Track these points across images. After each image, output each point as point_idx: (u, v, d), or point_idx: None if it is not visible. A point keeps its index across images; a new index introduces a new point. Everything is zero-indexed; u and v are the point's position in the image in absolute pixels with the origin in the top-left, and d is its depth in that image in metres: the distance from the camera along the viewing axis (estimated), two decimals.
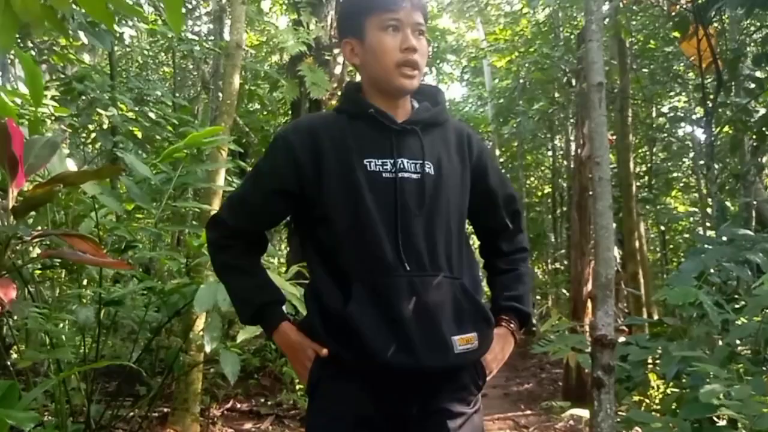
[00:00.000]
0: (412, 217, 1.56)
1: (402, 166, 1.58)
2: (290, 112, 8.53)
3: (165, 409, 4.77)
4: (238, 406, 5.84)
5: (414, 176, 1.59)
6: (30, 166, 2.01)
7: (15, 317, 3.27)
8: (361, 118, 1.63)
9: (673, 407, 3.03)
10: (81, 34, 4.45)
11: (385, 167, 1.58)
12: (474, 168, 1.70)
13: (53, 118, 4.57)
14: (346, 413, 1.56)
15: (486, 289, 2.12)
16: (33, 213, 2.61)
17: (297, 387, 6.25)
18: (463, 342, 1.55)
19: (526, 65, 11.41)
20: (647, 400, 4.76)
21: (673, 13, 6.25)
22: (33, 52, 5.73)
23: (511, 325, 1.73)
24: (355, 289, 1.53)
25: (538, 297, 18.25)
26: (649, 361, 3.50)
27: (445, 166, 1.63)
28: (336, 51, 8.22)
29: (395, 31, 1.60)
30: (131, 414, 4.06)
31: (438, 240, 1.59)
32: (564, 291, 15.97)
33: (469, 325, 1.59)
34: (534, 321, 14.71)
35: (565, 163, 15.69)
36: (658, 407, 4.23)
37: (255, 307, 1.68)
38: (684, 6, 5.55)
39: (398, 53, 1.59)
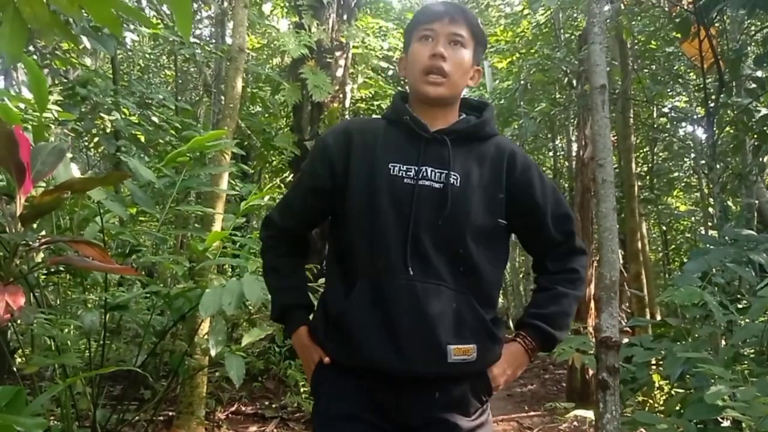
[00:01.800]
0: (426, 224, 1.58)
1: (425, 173, 1.61)
2: (292, 114, 8.54)
3: (170, 413, 4.78)
4: (243, 409, 5.85)
5: (436, 185, 1.60)
6: (37, 173, 2.02)
7: (20, 322, 3.28)
8: (397, 124, 1.69)
9: (678, 408, 3.03)
10: (84, 38, 4.46)
11: (408, 173, 1.61)
12: (514, 185, 1.68)
13: (57, 122, 4.59)
14: (345, 414, 1.59)
15: None
16: None
17: (302, 390, 6.26)
18: (459, 352, 1.55)
19: (527, 66, 11.40)
20: (651, 401, 4.76)
21: (674, 14, 6.26)
22: (35, 57, 5.75)
23: (527, 342, 1.70)
24: (357, 287, 1.58)
25: None
26: (653, 362, 3.50)
27: (473, 180, 1.64)
28: (337, 54, 8.24)
29: (427, 40, 1.65)
30: (137, 418, 4.06)
31: (448, 251, 1.59)
32: None
33: (469, 337, 1.58)
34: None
35: (566, 164, 15.69)
36: (663, 408, 4.23)
37: (280, 308, 1.78)
38: (685, 7, 5.55)
39: (426, 60, 1.64)
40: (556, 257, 1.75)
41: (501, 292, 1.91)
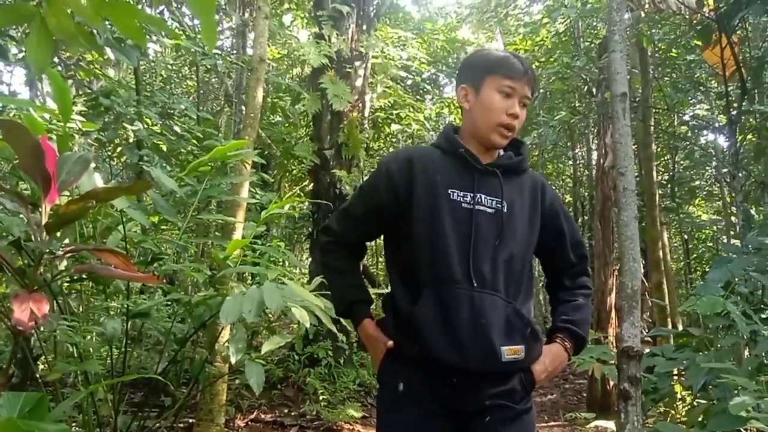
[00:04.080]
0: (484, 243, 1.83)
1: (479, 200, 1.86)
2: (312, 124, 8.59)
3: (190, 420, 4.81)
4: (262, 416, 5.86)
5: (489, 210, 1.86)
6: (62, 183, 2.05)
7: (43, 329, 3.31)
8: (452, 155, 1.93)
9: (701, 419, 3.00)
10: (108, 50, 4.52)
11: (465, 199, 1.86)
12: (546, 212, 1.97)
13: (81, 132, 4.65)
14: (408, 398, 1.85)
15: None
16: None
17: (320, 398, 6.27)
18: (511, 352, 1.80)
19: (547, 75, 11.38)
20: (673, 412, 4.70)
21: (695, 22, 6.22)
22: (59, 68, 5.84)
23: (565, 343, 1.97)
24: (424, 295, 1.82)
25: None
26: (675, 372, 3.47)
27: (517, 207, 1.90)
28: (357, 63, 8.28)
29: (507, 97, 1.88)
30: (157, 425, 4.09)
31: (501, 267, 1.83)
32: None
33: (518, 338, 1.83)
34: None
35: (586, 172, 15.61)
36: (685, 419, 4.18)
37: (346, 303, 2.06)
38: (707, 14, 5.51)
39: (504, 116, 1.88)
40: (572, 276, 2.06)
41: None
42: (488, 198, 1.86)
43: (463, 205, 1.84)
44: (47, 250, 1.97)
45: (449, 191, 1.85)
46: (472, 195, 1.85)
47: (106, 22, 1.76)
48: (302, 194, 9.09)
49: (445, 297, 1.79)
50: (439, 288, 1.80)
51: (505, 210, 1.86)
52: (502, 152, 1.99)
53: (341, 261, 2.08)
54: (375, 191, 1.98)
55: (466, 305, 1.78)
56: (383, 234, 2.06)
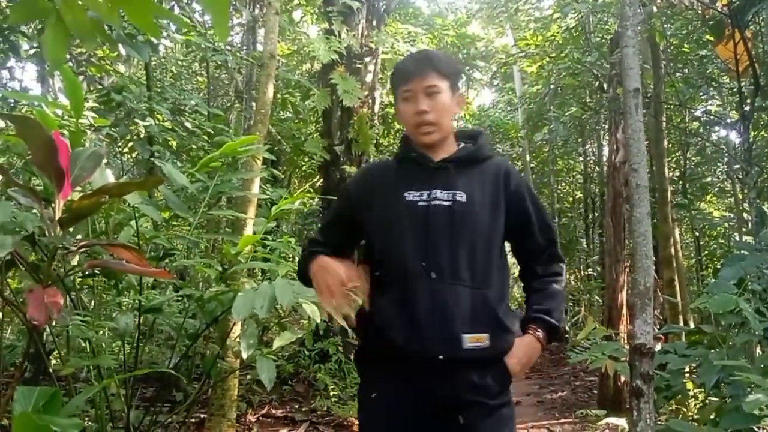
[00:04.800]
0: (440, 235, 1.88)
1: (435, 195, 1.92)
2: (322, 119, 8.59)
3: (202, 415, 4.82)
4: (273, 412, 5.88)
5: (445, 203, 1.91)
6: (76, 178, 2.05)
7: (55, 324, 3.33)
8: (406, 160, 2.04)
9: (713, 417, 2.98)
10: (119, 45, 4.53)
11: (421, 197, 1.93)
12: (510, 196, 1.99)
13: (92, 128, 4.67)
14: (381, 392, 1.92)
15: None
16: None
17: (331, 394, 6.28)
18: (473, 340, 1.83)
19: (557, 70, 11.33)
20: (685, 410, 4.68)
21: (708, 17, 6.17)
22: (71, 63, 5.86)
23: (537, 333, 1.97)
24: (388, 292, 1.90)
25: (570, 303, 18.09)
26: (686, 369, 3.45)
27: (477, 195, 1.94)
28: (367, 59, 8.27)
29: (409, 102, 1.97)
30: (169, 420, 4.11)
31: (461, 255, 1.88)
32: (597, 298, 15.81)
33: (482, 326, 1.86)
34: (567, 328, 14.60)
35: (596, 168, 15.55)
36: (697, 417, 4.17)
37: (304, 260, 2.05)
38: (719, 9, 5.47)
39: (413, 118, 1.97)
40: (543, 262, 2.06)
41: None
42: (444, 192, 1.93)
43: (419, 203, 1.92)
44: (61, 245, 1.98)
45: (405, 194, 1.94)
46: (427, 193, 1.93)
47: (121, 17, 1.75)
48: (312, 190, 9.10)
49: (406, 292, 1.86)
50: (401, 284, 1.88)
51: (464, 200, 1.92)
52: (461, 145, 2.07)
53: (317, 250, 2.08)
54: (339, 210, 2.18)
55: (427, 297, 1.84)
56: (357, 246, 2.16)
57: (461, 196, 1.92)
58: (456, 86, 2.02)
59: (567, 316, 15.54)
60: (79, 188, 2.62)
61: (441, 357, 1.82)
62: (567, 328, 14.57)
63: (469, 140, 2.09)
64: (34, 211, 2.76)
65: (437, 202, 1.91)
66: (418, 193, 1.94)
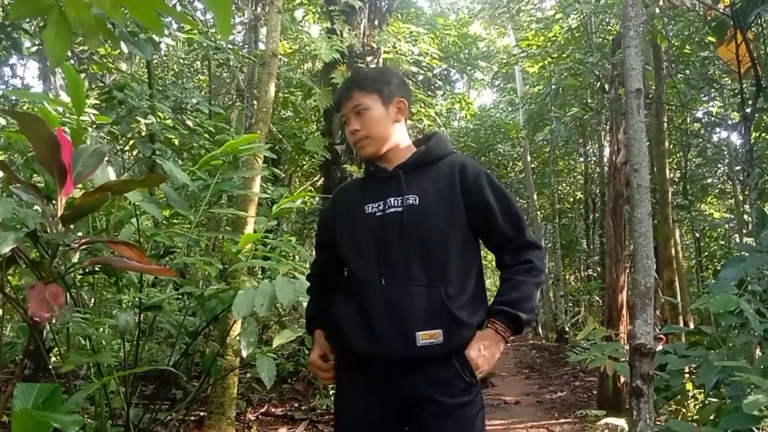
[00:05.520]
0: (391, 242, 1.97)
1: (389, 203, 2.02)
2: (323, 119, 8.58)
3: (201, 413, 4.83)
4: (273, 410, 5.89)
5: (398, 209, 2.00)
6: (78, 175, 2.06)
7: (56, 321, 3.34)
8: (367, 175, 2.17)
9: (713, 418, 2.98)
10: (122, 43, 4.54)
11: (379, 208, 2.03)
12: (467, 189, 2.03)
13: (94, 126, 4.67)
14: (348, 390, 2.05)
15: None
16: None
17: (330, 392, 6.27)
18: (426, 336, 1.88)
19: (559, 71, 11.33)
20: (684, 410, 4.69)
21: (710, 18, 6.17)
22: (73, 61, 5.86)
23: (497, 326, 1.96)
24: (349, 301, 2.01)
25: (570, 304, 18.09)
26: (686, 370, 3.45)
27: (430, 195, 2.01)
28: (369, 59, 8.27)
29: (346, 125, 2.12)
30: (169, 417, 4.11)
31: (413, 257, 1.94)
32: (597, 298, 15.81)
33: (436, 323, 1.89)
34: (566, 328, 14.60)
35: (597, 169, 15.55)
36: (696, 418, 4.17)
37: (306, 322, 2.32)
38: (722, 10, 5.47)
39: (350, 137, 2.11)
40: (511, 251, 2.06)
41: None
42: (396, 199, 2.01)
43: (376, 214, 2.02)
44: (63, 242, 1.98)
45: (365, 207, 2.05)
46: (383, 202, 2.02)
47: (125, 14, 1.75)
48: (313, 189, 9.10)
49: (363, 298, 1.95)
50: (359, 292, 1.98)
51: (416, 203, 1.99)
52: (416, 150, 2.15)
53: (316, 287, 2.33)
54: (319, 235, 2.34)
55: (381, 301, 1.92)
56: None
57: (414, 199, 1.99)
58: (390, 94, 2.09)
59: (566, 317, 15.56)
60: (80, 186, 2.63)
61: (397, 356, 1.89)
62: (567, 328, 14.60)
63: (423, 144, 2.17)
64: (36, 207, 2.76)
65: (391, 210, 2.00)
66: (375, 205, 2.04)
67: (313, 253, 2.43)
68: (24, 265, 2.45)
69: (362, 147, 2.09)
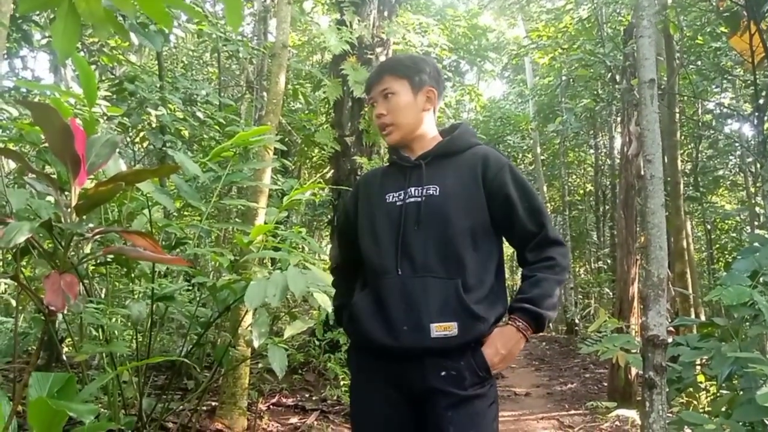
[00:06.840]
0: (410, 231, 1.96)
1: (410, 193, 2.01)
2: (332, 110, 8.58)
3: (213, 403, 4.85)
4: (284, 401, 5.91)
5: (417, 199, 1.99)
6: (91, 165, 2.06)
7: (68, 311, 3.36)
8: (391, 164, 2.17)
9: (725, 409, 2.97)
10: (132, 35, 4.54)
11: (399, 197, 2.02)
12: (489, 183, 2.00)
13: (105, 117, 4.68)
14: (367, 385, 2.03)
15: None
16: None
17: (341, 383, 6.30)
18: (440, 328, 1.87)
19: (570, 62, 11.26)
20: (695, 402, 4.67)
21: (723, 8, 6.12)
22: (83, 53, 5.88)
23: (517, 323, 1.93)
24: (366, 290, 2.03)
25: (580, 296, 18.06)
26: (698, 362, 3.44)
27: (450, 187, 1.99)
28: (378, 50, 8.25)
29: (373, 108, 2.11)
30: (181, 407, 4.14)
31: (432, 248, 1.93)
32: (607, 290, 15.77)
33: (451, 316, 1.87)
34: (577, 321, 14.58)
35: (608, 161, 15.48)
36: (708, 409, 4.16)
37: (335, 312, 2.33)
38: (735, 1, 5.42)
39: (376, 121, 2.11)
40: (533, 248, 2.01)
41: None
42: (417, 189, 2.00)
43: (396, 203, 2.01)
44: (77, 232, 1.99)
45: (386, 196, 2.05)
46: (404, 192, 2.02)
47: (135, 6, 1.75)
48: (323, 181, 9.10)
49: (380, 288, 1.95)
50: (376, 281, 1.97)
51: (436, 194, 1.98)
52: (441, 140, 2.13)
53: (338, 281, 2.36)
54: (341, 227, 2.36)
55: (397, 292, 1.91)
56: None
57: (434, 190, 1.98)
58: (420, 83, 2.07)
59: (577, 309, 15.53)
60: (92, 176, 2.64)
61: (411, 347, 1.88)
62: (577, 321, 14.58)
63: (449, 135, 2.14)
64: (50, 198, 2.78)
65: (411, 200, 1.99)
66: (396, 194, 2.03)
67: (323, 244, 2.45)
68: (38, 256, 2.47)
69: (388, 134, 2.08)
